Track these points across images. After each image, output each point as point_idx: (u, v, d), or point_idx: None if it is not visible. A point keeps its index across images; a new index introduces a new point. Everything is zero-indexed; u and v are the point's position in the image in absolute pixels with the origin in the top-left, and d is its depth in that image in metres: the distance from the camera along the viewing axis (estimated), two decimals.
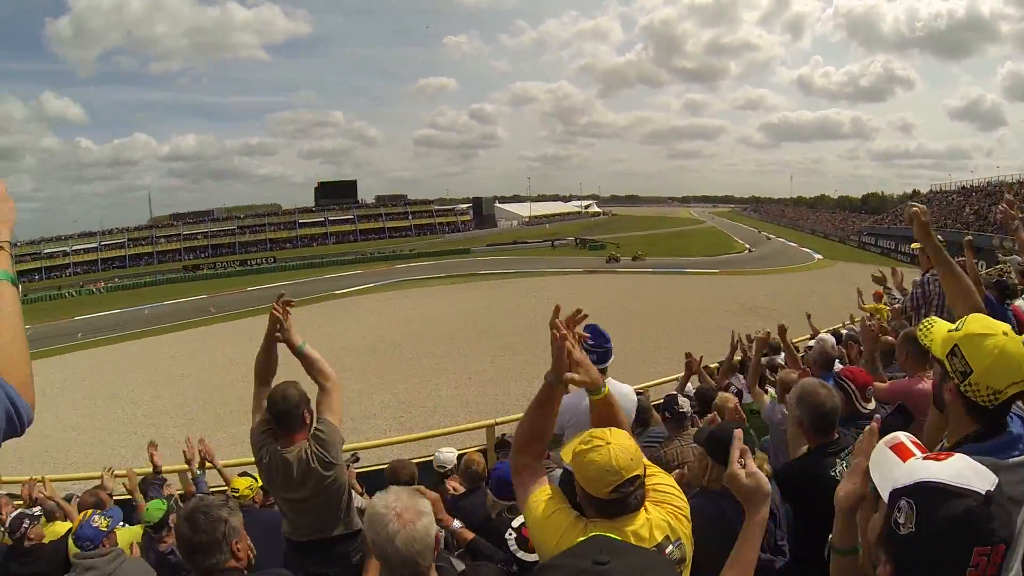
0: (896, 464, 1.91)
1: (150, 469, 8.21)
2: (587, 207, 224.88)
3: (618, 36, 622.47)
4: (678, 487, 2.91)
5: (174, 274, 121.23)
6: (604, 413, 3.20)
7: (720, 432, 3.98)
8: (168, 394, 35.71)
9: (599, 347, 5.09)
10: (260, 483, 6.78)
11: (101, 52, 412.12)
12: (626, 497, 2.60)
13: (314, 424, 4.36)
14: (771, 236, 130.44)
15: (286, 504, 4.47)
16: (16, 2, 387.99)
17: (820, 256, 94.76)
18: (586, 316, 3.25)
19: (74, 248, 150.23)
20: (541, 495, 2.86)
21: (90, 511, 5.33)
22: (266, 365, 4.63)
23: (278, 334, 4.50)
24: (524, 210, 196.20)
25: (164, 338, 58.29)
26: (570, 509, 2.75)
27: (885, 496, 1.85)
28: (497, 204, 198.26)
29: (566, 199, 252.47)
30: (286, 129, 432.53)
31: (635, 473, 2.61)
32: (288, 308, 4.50)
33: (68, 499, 7.99)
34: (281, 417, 4.30)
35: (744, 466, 2.66)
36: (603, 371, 4.94)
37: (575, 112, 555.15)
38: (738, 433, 2.76)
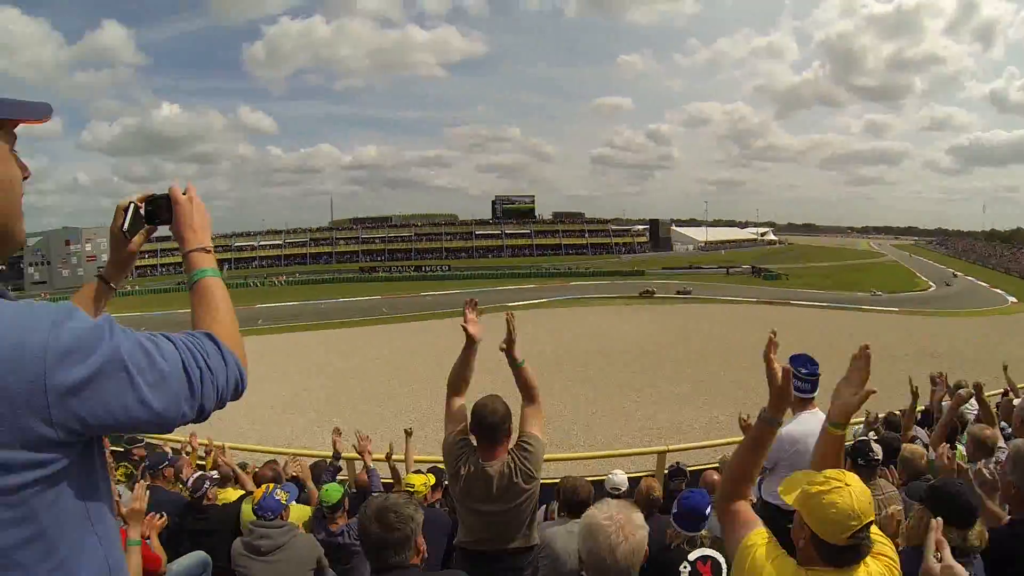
0: None
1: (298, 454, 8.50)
2: (763, 234, 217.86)
3: (793, 53, 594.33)
4: (888, 540, 2.74)
5: (351, 274, 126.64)
6: (834, 451, 3.09)
7: (947, 489, 3.70)
8: (333, 384, 36.99)
9: (812, 375, 5.02)
10: (432, 480, 7.11)
11: (291, 71, 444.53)
12: (860, 544, 2.44)
13: (519, 437, 4.35)
14: (958, 274, 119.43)
15: (474, 515, 4.34)
16: (217, 30, 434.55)
17: (1014, 299, 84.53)
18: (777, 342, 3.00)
19: (260, 243, 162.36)
20: (758, 539, 2.68)
21: (271, 484, 5.83)
22: (461, 377, 4.61)
23: (503, 345, 4.48)
24: (700, 234, 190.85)
25: (337, 332, 61.10)
26: (787, 555, 2.59)
27: None
28: (673, 227, 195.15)
29: (742, 225, 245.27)
30: (463, 143, 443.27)
31: (871, 519, 2.45)
32: (476, 313, 4.54)
33: (241, 468, 8.49)
34: (488, 430, 4.24)
35: (940, 559, 2.58)
36: (811, 401, 5.17)
37: (751, 135, 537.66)
38: (936, 523, 2.69)
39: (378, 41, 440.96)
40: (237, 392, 1.72)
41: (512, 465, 4.19)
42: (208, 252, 1.95)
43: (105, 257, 1.99)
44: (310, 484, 7.51)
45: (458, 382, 4.60)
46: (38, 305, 1.35)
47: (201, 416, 1.57)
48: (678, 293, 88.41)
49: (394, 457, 8.91)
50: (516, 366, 4.50)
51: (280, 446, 11.70)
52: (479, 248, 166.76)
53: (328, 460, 8.60)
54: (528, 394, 4.52)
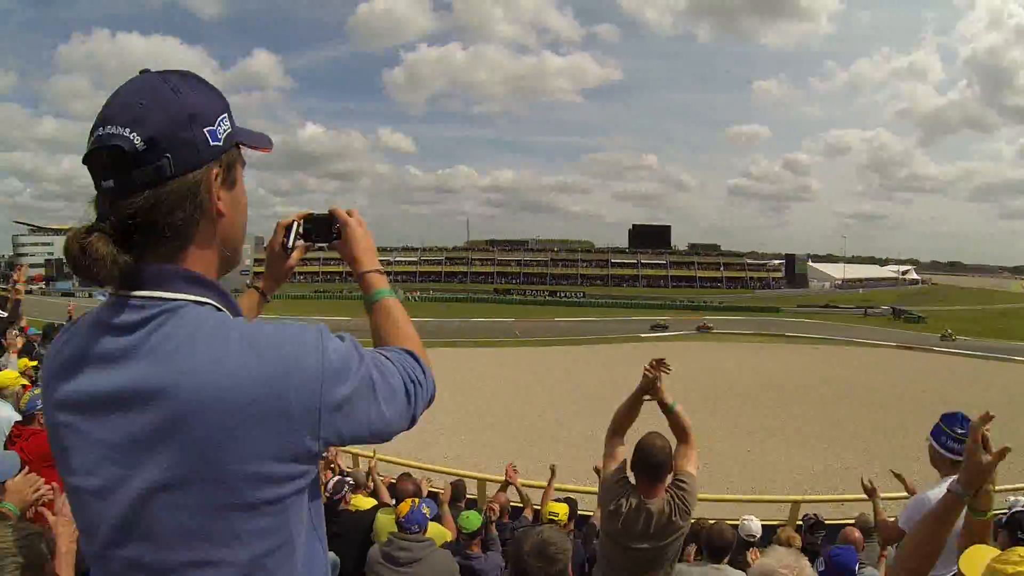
0: None
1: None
2: (904, 273, 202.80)
3: (937, 73, 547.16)
4: None
5: (485, 295, 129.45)
6: (980, 533, 2.83)
7: None
8: (463, 404, 36.73)
9: (966, 436, 4.51)
10: (568, 510, 7.49)
11: (429, 95, 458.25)
12: None
13: (675, 475, 4.37)
14: None
15: (623, 552, 4.31)
16: (359, 57, 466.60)
17: None
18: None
19: (396, 259, 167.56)
20: None
21: (417, 499, 5.91)
22: (627, 418, 4.74)
23: (648, 394, 4.62)
24: (837, 271, 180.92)
25: (469, 351, 61.55)
26: None
27: None
28: (810, 263, 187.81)
29: (882, 262, 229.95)
30: (600, 170, 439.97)
31: None
32: (665, 370, 4.61)
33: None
34: (653, 468, 4.25)
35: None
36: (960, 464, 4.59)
37: (893, 164, 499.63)
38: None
39: (514, 67, 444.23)
40: (430, 403, 1.79)
41: (672, 503, 4.18)
42: (382, 273, 2.04)
43: (247, 262, 2.04)
44: (445, 507, 7.60)
45: (623, 423, 4.72)
46: (298, 327, 1.44)
47: (411, 425, 1.67)
48: (697, 329, 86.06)
49: (529, 484, 9.29)
50: (668, 411, 4.60)
51: (404, 458, 11.89)
52: (614, 276, 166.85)
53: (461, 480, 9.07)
54: (683, 436, 4.56)
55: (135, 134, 1.31)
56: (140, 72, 1.44)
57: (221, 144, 1.45)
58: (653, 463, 4.21)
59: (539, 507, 8.47)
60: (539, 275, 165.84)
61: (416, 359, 1.72)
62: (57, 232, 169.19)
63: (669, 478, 4.32)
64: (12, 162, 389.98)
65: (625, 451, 4.56)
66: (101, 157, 1.33)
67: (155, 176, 1.34)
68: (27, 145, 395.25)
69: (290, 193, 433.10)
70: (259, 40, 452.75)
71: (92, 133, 1.35)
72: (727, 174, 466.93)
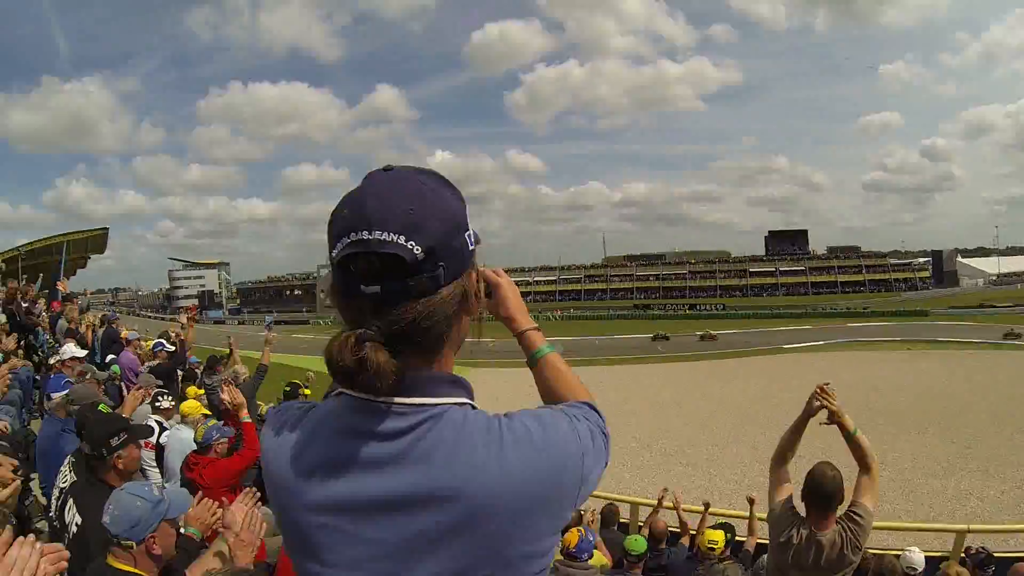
0: None
1: None
2: None
3: None
4: None
5: (625, 311, 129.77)
6: None
7: None
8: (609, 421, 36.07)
9: None
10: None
11: (552, 114, 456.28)
12: None
13: (850, 507, 4.30)
14: None
15: None
16: (479, 82, 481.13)
17: None
18: None
19: (535, 279, 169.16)
20: None
21: (583, 528, 6.03)
22: (790, 446, 4.67)
23: (824, 421, 4.49)
24: (991, 266, 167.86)
25: (611, 369, 61.04)
26: None
27: None
28: (959, 258, 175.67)
29: None
30: (730, 176, 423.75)
31: None
32: (830, 399, 4.44)
33: None
34: (825, 499, 4.23)
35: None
36: None
37: None
38: None
39: (633, 78, 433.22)
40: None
41: (843, 535, 4.14)
42: (538, 330, 2.04)
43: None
44: (599, 537, 7.67)
45: (787, 451, 4.67)
46: (549, 415, 1.52)
47: None
48: (701, 339, 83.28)
49: (684, 508, 9.45)
50: (849, 438, 4.41)
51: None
52: (753, 286, 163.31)
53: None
54: (863, 464, 4.42)
55: (412, 243, 1.32)
56: (385, 169, 1.46)
57: (473, 248, 1.49)
58: (824, 493, 4.17)
59: (695, 532, 8.52)
60: (678, 288, 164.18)
61: (598, 412, 1.71)
62: (208, 267, 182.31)
63: (842, 509, 4.26)
64: (165, 206, 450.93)
65: (790, 480, 4.58)
66: (370, 263, 1.33)
67: (431, 286, 1.36)
68: (176, 190, 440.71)
69: None
70: (380, 76, 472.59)
71: (347, 233, 1.34)
72: (861, 169, 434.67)
